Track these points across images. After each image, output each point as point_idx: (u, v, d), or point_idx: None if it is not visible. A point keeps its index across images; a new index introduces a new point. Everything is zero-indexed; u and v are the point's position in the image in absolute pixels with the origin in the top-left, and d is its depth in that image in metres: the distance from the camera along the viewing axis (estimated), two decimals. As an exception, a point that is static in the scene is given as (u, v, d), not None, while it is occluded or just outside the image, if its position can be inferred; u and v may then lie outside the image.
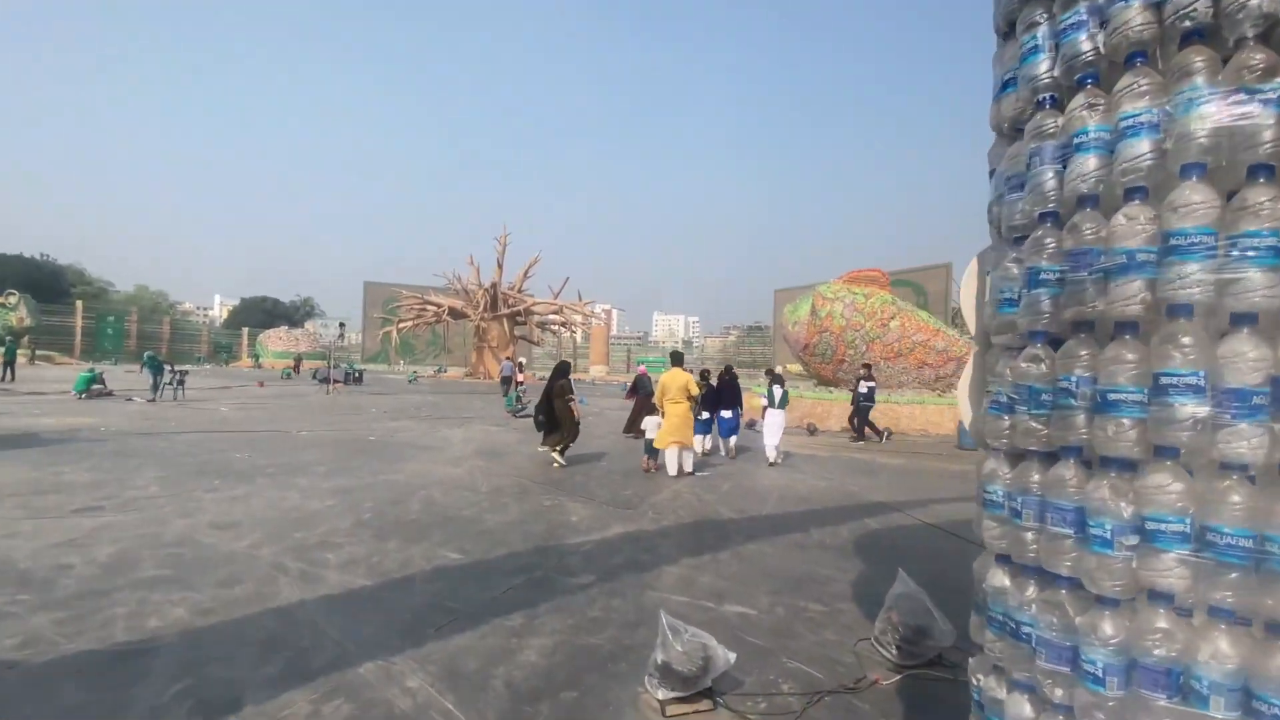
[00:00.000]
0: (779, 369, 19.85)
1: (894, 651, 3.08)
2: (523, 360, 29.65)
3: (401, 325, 46.95)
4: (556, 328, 50.39)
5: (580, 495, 6.83)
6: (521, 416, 16.78)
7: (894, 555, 4.97)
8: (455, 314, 45.80)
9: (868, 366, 15.66)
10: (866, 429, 13.59)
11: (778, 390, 11.11)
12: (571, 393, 8.90)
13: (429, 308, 46.15)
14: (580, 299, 45.46)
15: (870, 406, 13.84)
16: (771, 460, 9.76)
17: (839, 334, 19.15)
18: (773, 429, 10.01)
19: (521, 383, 30.26)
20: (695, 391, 8.63)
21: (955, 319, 30.94)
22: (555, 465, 8.50)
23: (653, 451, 8.62)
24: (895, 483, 8.40)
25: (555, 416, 8.72)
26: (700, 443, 9.91)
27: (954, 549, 5.22)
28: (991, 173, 1.87)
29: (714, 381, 11.35)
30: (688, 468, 8.35)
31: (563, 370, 9.30)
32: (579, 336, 68.57)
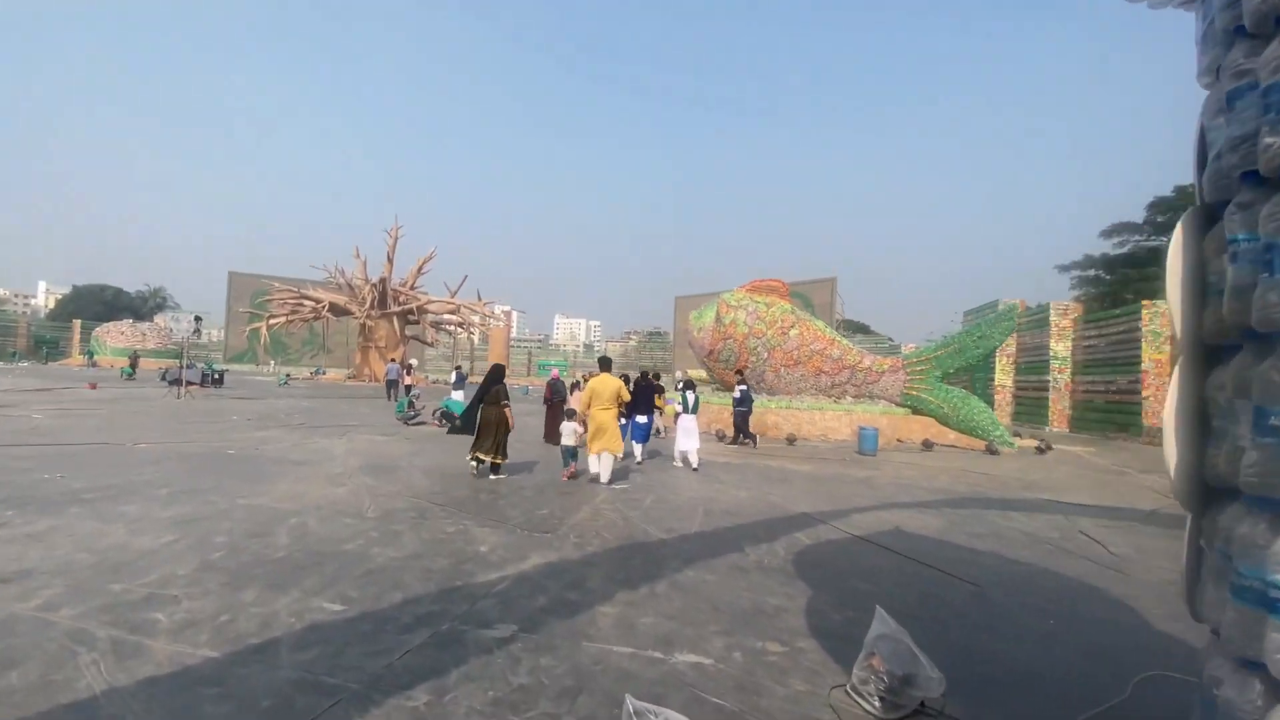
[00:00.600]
0: (679, 373, 19.77)
1: (876, 704, 2.69)
2: (413, 362, 27.60)
3: (273, 321, 42.48)
4: (453, 328, 47.87)
5: (489, 517, 6.02)
6: (415, 424, 15.39)
7: (834, 575, 4.69)
8: (337, 310, 42.16)
9: (740, 372, 15.96)
10: (740, 433, 13.97)
11: (690, 396, 11.06)
12: (508, 398, 8.46)
13: (306, 303, 42.10)
14: (480, 299, 43.47)
15: (745, 411, 14.09)
16: (680, 464, 9.99)
17: (742, 341, 19.41)
18: (686, 434, 10.10)
19: (411, 386, 28.31)
20: (627, 398, 8.57)
21: (839, 329, 32.85)
22: (482, 474, 8.18)
23: (567, 458, 8.46)
24: (811, 491, 8.31)
25: (487, 424, 8.23)
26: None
27: (890, 565, 5.04)
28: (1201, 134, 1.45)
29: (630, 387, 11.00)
30: (605, 477, 8.08)
31: (497, 374, 8.78)
32: (476, 338, 65.80)
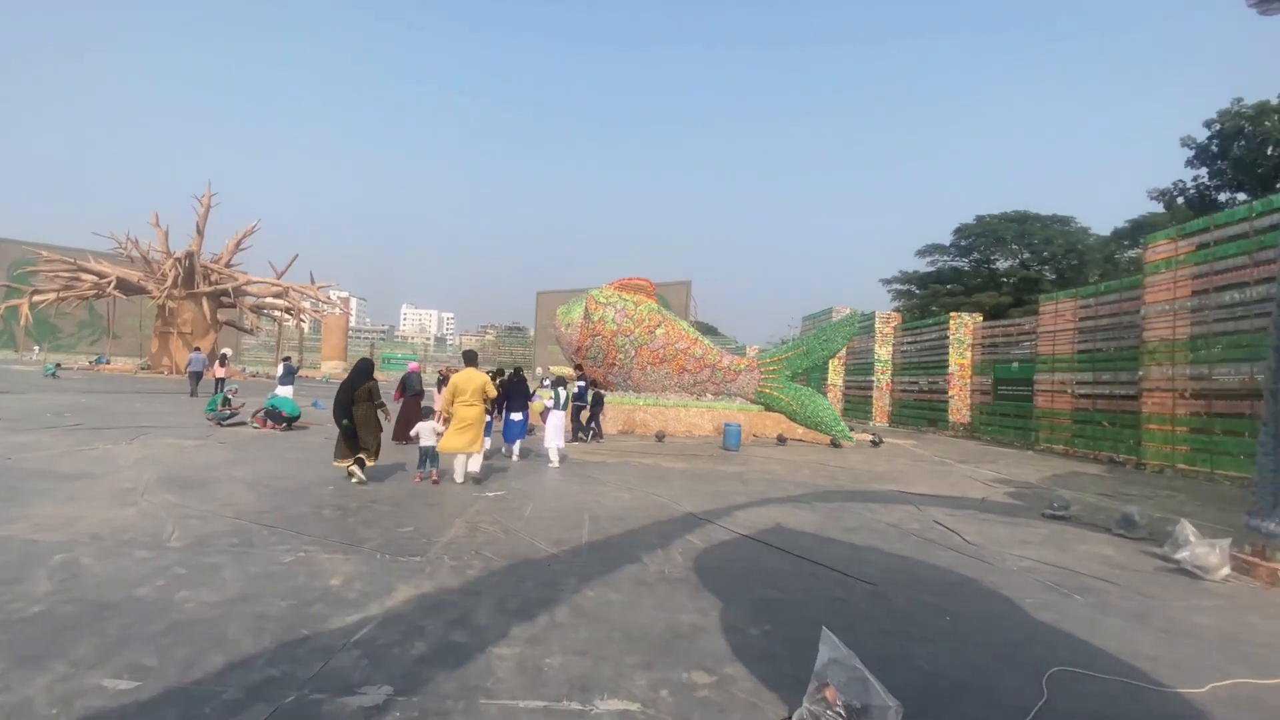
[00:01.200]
0: (540, 369, 19.11)
1: (830, 740, 2.42)
2: (227, 352, 23.71)
3: (39, 298, 34.55)
4: (279, 314, 42.32)
5: (339, 540, 5.02)
6: (231, 424, 13.08)
7: (739, 583, 4.48)
8: (128, 288, 35.28)
9: (579, 367, 15.85)
10: (578, 431, 13.77)
11: (561, 392, 10.69)
12: (379, 396, 7.83)
13: (85, 277, 34.70)
14: (313, 282, 38.79)
15: (582, 406, 14.01)
16: (553, 462, 9.76)
17: (610, 338, 19.20)
18: (554, 430, 9.96)
19: (225, 379, 24.37)
20: (493, 394, 8.16)
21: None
22: (355, 480, 7.37)
23: (427, 462, 7.88)
24: (692, 489, 8.21)
25: (361, 424, 7.55)
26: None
27: (788, 567, 4.97)
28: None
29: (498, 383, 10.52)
30: (460, 477, 7.74)
31: (366, 369, 7.98)
32: (307, 326, 59.04)
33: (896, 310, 34.22)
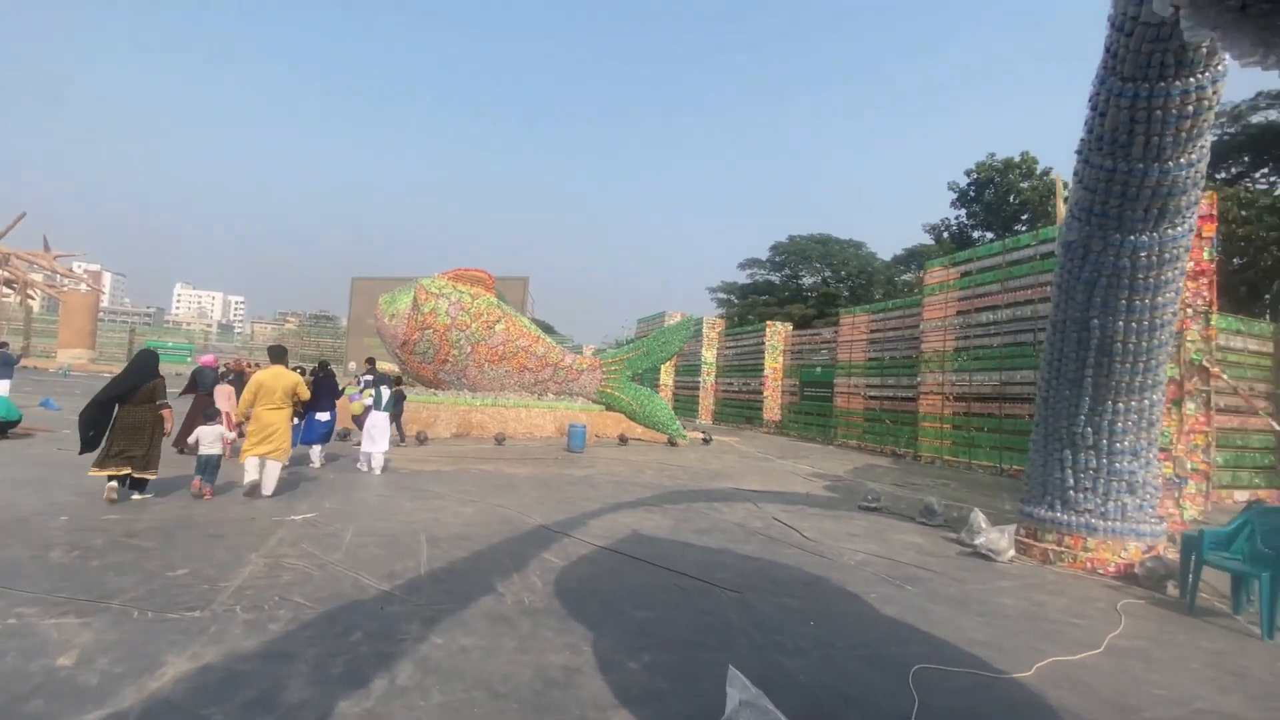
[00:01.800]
0: (353, 365, 17.17)
1: (740, 796, 2.15)
2: None
3: None
4: (-9, 287, 33.08)
5: (74, 594, 3.70)
6: (-100, 433, 9.63)
7: (607, 605, 4.12)
8: None
9: (370, 361, 14.27)
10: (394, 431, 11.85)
11: (384, 390, 9.48)
12: (164, 396, 6.53)
13: None
14: (47, 248, 30.84)
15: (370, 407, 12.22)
16: (364, 467, 8.96)
17: (443, 332, 17.81)
18: (377, 434, 8.98)
19: None
20: (306, 396, 7.41)
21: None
22: (123, 498, 6.12)
23: (208, 471, 6.67)
24: (541, 498, 7.70)
25: (133, 429, 6.21)
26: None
27: (652, 581, 4.72)
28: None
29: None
30: (269, 488, 6.81)
31: (149, 364, 6.60)
32: (38, 303, 46.85)
33: (720, 317, 36.76)
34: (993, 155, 25.64)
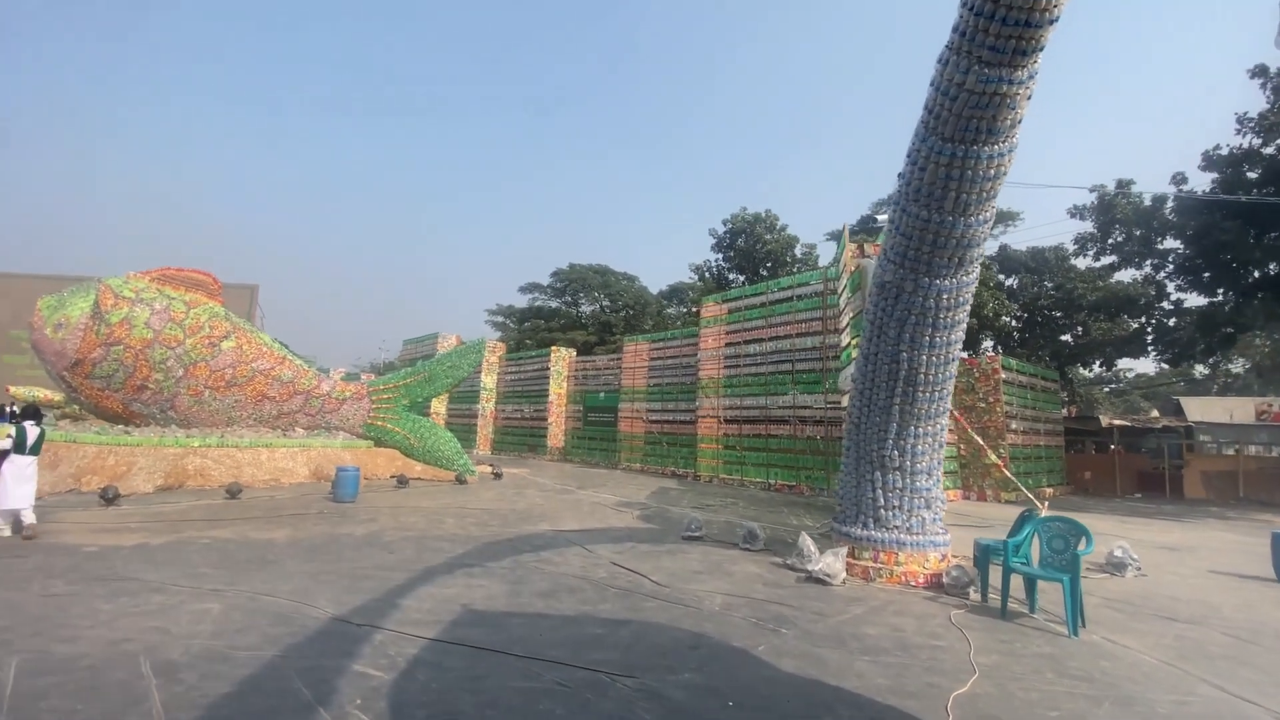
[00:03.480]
0: (4, 390, 12.17)
1: None
2: None
3: None
4: None
5: None
6: None
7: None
8: None
9: None
10: None
11: (31, 429, 7.41)
12: None
13: None
14: None
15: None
16: (9, 531, 6.98)
17: (140, 350, 13.58)
18: (19, 483, 7.07)
19: None
20: None
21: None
22: None
23: None
24: (318, 573, 5.85)
25: None
26: None
27: (523, 681, 3.65)
28: None
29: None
30: None
31: None
32: None
33: (500, 340, 35.30)
34: (744, 209, 29.43)
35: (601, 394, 25.05)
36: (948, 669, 4.12)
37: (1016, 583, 5.59)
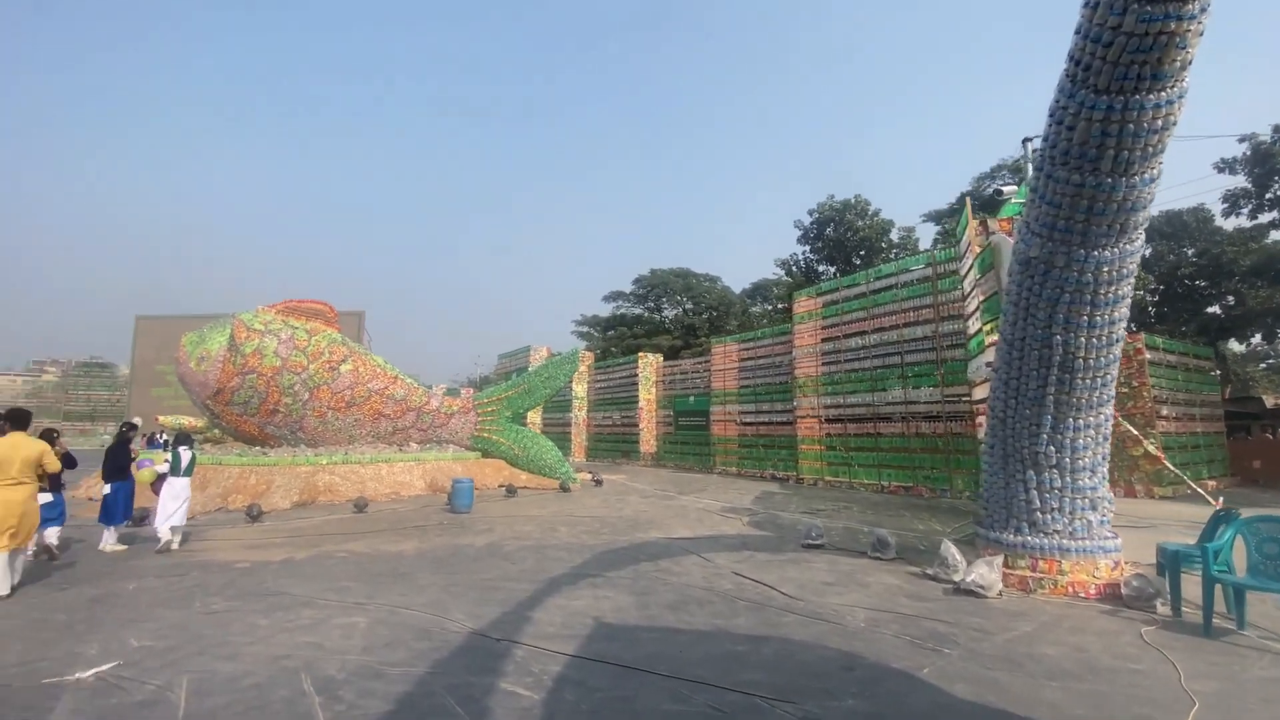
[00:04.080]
0: (138, 419, 13.56)
1: None
2: None
3: None
4: None
5: None
6: None
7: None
8: None
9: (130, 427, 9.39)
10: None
11: (185, 454, 8.29)
12: None
13: None
14: None
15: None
16: (164, 545, 7.71)
17: (271, 377, 14.73)
18: (171, 504, 7.89)
19: None
20: (54, 467, 6.21)
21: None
22: None
23: None
24: (448, 585, 5.98)
25: None
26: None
27: (674, 703, 3.46)
28: None
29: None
30: (5, 588, 5.57)
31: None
32: None
33: (587, 349, 35.92)
34: (832, 196, 28.24)
35: (691, 398, 24.78)
36: (1158, 698, 3.52)
37: (1215, 594, 4.78)
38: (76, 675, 3.71)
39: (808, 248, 29.62)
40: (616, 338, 36.87)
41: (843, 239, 27.51)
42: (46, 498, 7.16)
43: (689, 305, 36.80)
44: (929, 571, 6.42)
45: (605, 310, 39.51)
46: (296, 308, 16.59)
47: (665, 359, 28.73)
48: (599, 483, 16.16)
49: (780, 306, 33.30)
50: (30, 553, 6.38)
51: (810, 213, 28.69)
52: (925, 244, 28.55)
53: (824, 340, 17.76)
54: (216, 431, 16.91)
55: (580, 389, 30.64)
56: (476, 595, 5.60)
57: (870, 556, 7.36)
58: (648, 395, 27.23)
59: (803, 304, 18.83)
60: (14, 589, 5.68)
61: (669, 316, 37.42)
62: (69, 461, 7.13)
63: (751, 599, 5.59)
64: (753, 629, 4.74)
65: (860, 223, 27.36)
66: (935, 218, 28.51)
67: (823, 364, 17.66)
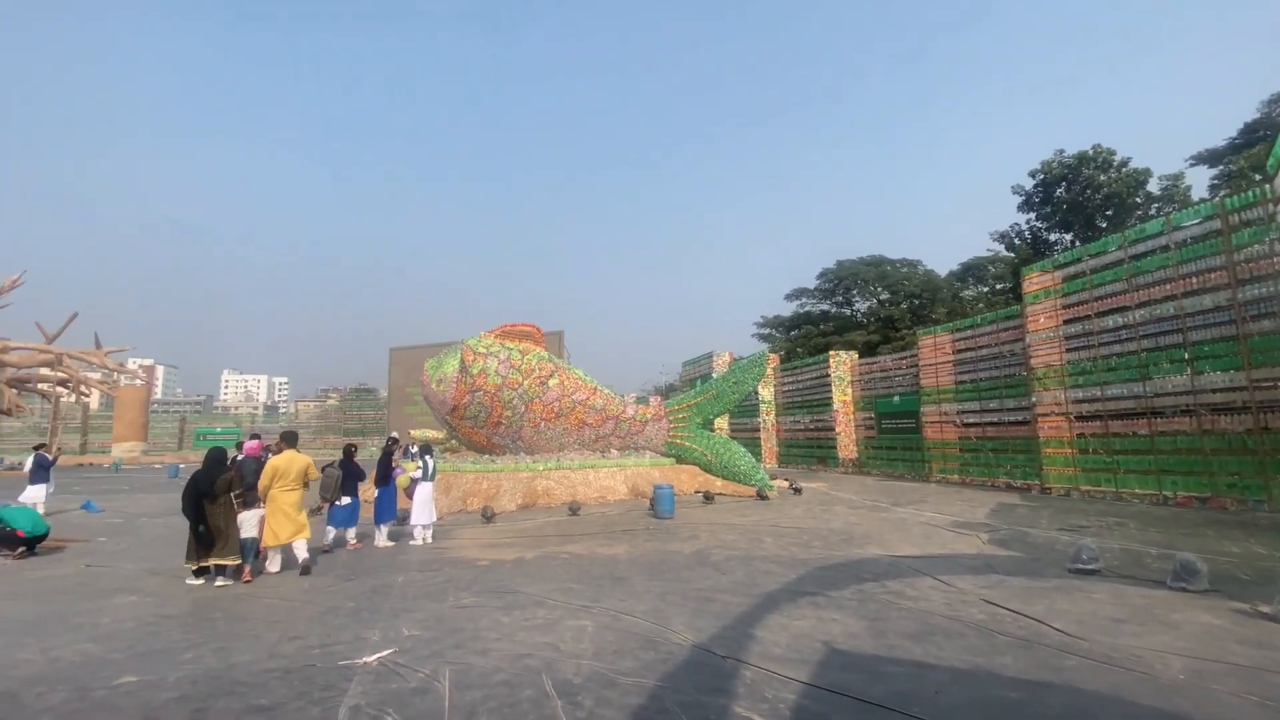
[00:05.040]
0: (395, 434, 15.86)
1: None
2: None
3: None
4: (50, 387, 33.21)
5: None
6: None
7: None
8: None
9: (392, 439, 11.75)
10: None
11: (430, 461, 9.68)
12: (240, 485, 7.18)
13: None
14: (98, 346, 31.02)
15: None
16: (420, 540, 9.14)
17: (494, 393, 16.46)
18: (423, 506, 9.31)
19: None
20: (315, 475, 7.72)
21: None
22: (210, 583, 6.67)
23: (247, 554, 7.09)
24: (665, 593, 5.97)
25: (212, 522, 6.85)
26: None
27: None
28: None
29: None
30: (304, 555, 7.33)
31: (220, 459, 7.27)
32: (95, 401, 47.80)
33: (773, 351, 34.91)
34: (1061, 152, 23.82)
35: (896, 397, 22.62)
36: None
37: None
38: (363, 659, 4.31)
39: (1032, 215, 25.27)
40: (802, 337, 35.21)
41: (1080, 199, 22.95)
42: (346, 501, 8.92)
43: (884, 295, 33.75)
44: (1264, 609, 4.84)
45: (787, 310, 38.02)
46: (510, 331, 18.49)
47: (861, 356, 26.68)
48: (798, 491, 15.39)
49: (1000, 287, 28.99)
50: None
51: (1032, 174, 24.48)
52: (1199, 193, 22.72)
53: (1067, 321, 14.92)
54: (454, 442, 19.51)
55: (767, 393, 29.79)
56: (693, 606, 5.49)
57: (1171, 587, 5.81)
58: (843, 396, 25.47)
59: (1035, 280, 16.04)
60: (308, 570, 7.21)
61: (861, 310, 34.74)
62: (358, 473, 8.87)
63: (1014, 634, 4.68)
64: (1025, 672, 3.92)
65: (1103, 177, 22.58)
66: (1210, 159, 22.51)
67: (1067, 350, 14.82)
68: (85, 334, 37.04)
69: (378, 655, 4.36)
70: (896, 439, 22.31)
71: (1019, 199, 25.41)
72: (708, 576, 6.67)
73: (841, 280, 34.31)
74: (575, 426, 16.85)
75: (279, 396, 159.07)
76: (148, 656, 4.43)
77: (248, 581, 6.82)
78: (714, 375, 28.57)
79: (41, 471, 12.80)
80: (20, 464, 25.34)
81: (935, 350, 20.22)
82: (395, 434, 13.60)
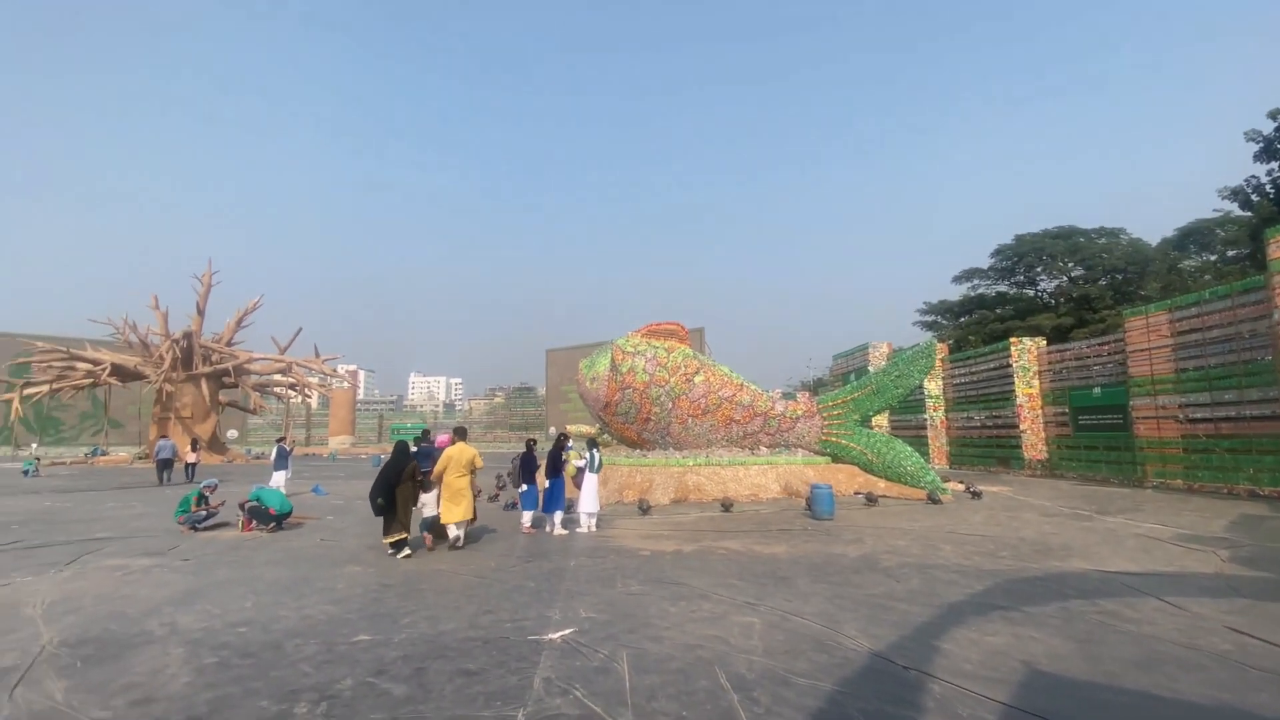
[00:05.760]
0: (552, 430, 16.83)
1: None
2: (198, 436, 21.51)
3: (30, 390, 32.88)
4: (283, 390, 40.38)
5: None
6: (208, 527, 10.61)
7: None
8: (124, 374, 33.63)
9: (563, 435, 11.72)
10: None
11: (595, 454, 10.15)
12: (420, 472, 8.56)
13: (78, 365, 33.08)
14: (318, 355, 37.00)
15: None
16: (584, 529, 9.78)
17: (643, 390, 16.95)
18: (589, 496, 9.95)
19: (196, 464, 22.31)
20: (480, 465, 8.73)
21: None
22: (402, 556, 7.82)
23: (433, 529, 8.58)
24: (833, 596, 5.76)
25: (404, 504, 8.12)
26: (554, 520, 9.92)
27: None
28: None
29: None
30: (459, 534, 8.42)
31: (405, 450, 8.51)
32: (315, 401, 57.16)
33: (939, 340, 31.93)
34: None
35: (1096, 389, 19.62)
36: None
37: None
38: (549, 636, 4.69)
39: (1275, 164, 20.44)
40: (975, 323, 31.69)
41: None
42: (524, 488, 10.07)
43: (1077, 272, 29.17)
44: None
45: (956, 294, 34.35)
46: (656, 330, 18.94)
47: (1049, 342, 23.47)
48: (977, 495, 13.94)
49: (1232, 254, 23.85)
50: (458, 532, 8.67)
51: (1272, 115, 19.77)
52: None
53: (1338, 292, 11.89)
54: (606, 437, 20.46)
55: (933, 386, 27.31)
56: (867, 613, 5.23)
57: None
58: (1028, 389, 22.58)
59: (1285, 244, 12.98)
60: (456, 546, 8.27)
61: (1047, 290, 30.39)
62: (536, 464, 9.93)
63: (1271, 669, 3.85)
64: (1305, 723, 3.21)
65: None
66: None
67: (1340, 328, 11.81)
68: (306, 345, 44.38)
69: (561, 634, 4.73)
70: (1098, 437, 19.36)
71: (1256, 146, 20.60)
72: (879, 582, 6.31)
73: (1023, 257, 30.21)
74: (723, 423, 16.81)
75: (455, 395, 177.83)
76: (376, 619, 5.22)
77: (430, 549, 8.21)
78: (869, 368, 26.85)
79: (282, 459, 15.60)
80: (267, 454, 31.20)
81: (1149, 333, 17.22)
82: (567, 430, 14.52)
